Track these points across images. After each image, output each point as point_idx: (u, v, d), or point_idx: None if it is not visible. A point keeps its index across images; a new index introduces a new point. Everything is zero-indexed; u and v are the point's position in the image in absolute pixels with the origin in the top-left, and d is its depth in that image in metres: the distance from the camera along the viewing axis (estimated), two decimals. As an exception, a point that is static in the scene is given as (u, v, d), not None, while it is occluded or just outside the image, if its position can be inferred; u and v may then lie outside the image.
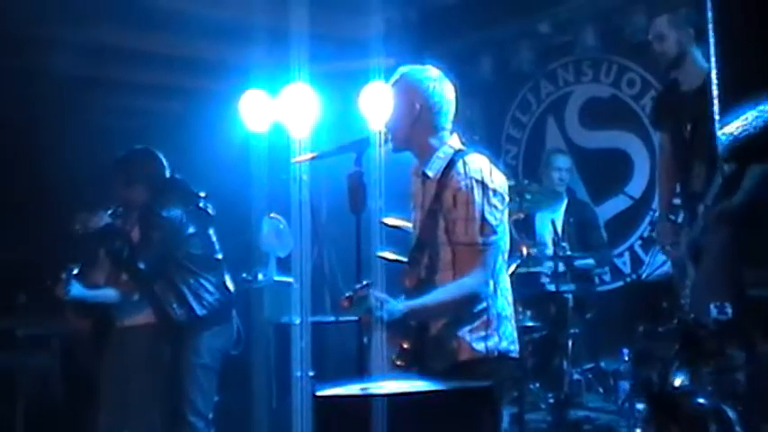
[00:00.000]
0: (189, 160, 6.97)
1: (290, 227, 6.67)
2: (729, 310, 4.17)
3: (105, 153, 5.45)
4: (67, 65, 6.68)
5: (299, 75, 6.61)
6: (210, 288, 5.21)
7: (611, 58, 6.92)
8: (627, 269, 6.82)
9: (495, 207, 3.55)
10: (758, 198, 4.14)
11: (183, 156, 6.94)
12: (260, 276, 6.83)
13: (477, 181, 3.53)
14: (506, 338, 3.62)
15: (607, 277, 6.87)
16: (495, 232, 3.53)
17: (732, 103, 2.01)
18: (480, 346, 3.56)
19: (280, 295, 6.71)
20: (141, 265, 5.04)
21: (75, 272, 5.16)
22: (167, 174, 5.39)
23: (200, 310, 5.14)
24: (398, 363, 3.69)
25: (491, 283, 3.56)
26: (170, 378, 5.22)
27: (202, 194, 5.35)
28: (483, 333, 3.57)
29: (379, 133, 5.65)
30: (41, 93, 6.46)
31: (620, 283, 6.73)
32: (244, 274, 6.80)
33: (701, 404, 3.91)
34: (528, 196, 5.61)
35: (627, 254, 6.85)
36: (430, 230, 3.63)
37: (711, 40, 1.94)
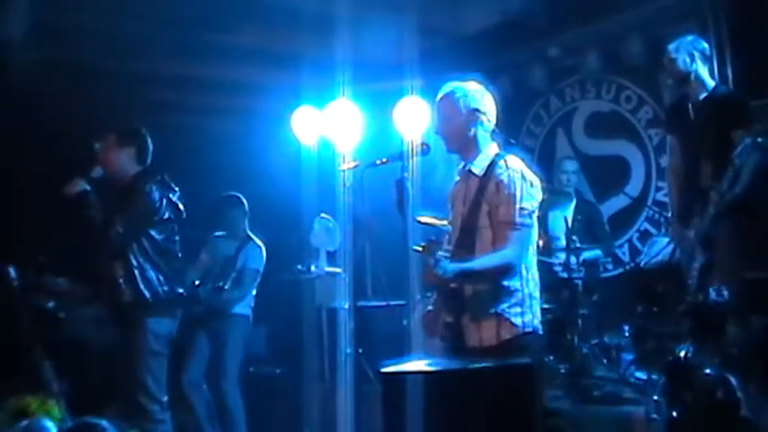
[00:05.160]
0: (248, 172, 7.55)
1: (337, 225, 7.02)
2: (726, 293, 4.46)
3: (168, 169, 5.37)
4: (140, 92, 7.12)
5: (343, 93, 7.02)
6: (161, 278, 4.94)
7: (611, 78, 7.25)
8: (626, 258, 7.12)
9: (532, 196, 3.84)
10: (753, 189, 4.40)
11: (242, 168, 7.61)
12: (312, 268, 7.19)
13: (516, 172, 3.83)
14: (537, 317, 3.86)
15: (610, 266, 7.11)
16: (530, 216, 3.82)
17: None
18: (518, 321, 3.78)
19: (329, 284, 7.06)
20: (119, 229, 4.81)
21: None
22: (150, 155, 5.12)
23: (146, 294, 4.87)
24: (445, 334, 3.93)
25: (523, 265, 3.81)
26: (120, 362, 4.99)
27: (176, 189, 5.09)
28: (519, 309, 3.80)
29: (412, 145, 5.70)
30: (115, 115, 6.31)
31: (621, 270, 7.07)
32: (299, 266, 7.25)
33: (708, 374, 4.17)
34: (543, 196, 6.12)
35: (626, 245, 7.13)
36: (474, 217, 3.85)
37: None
